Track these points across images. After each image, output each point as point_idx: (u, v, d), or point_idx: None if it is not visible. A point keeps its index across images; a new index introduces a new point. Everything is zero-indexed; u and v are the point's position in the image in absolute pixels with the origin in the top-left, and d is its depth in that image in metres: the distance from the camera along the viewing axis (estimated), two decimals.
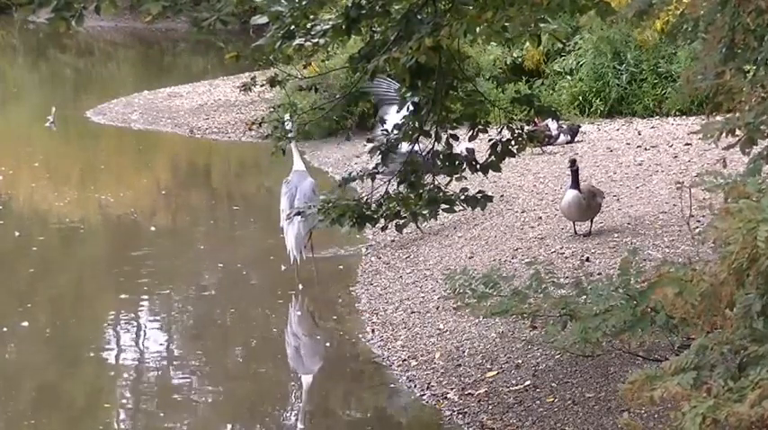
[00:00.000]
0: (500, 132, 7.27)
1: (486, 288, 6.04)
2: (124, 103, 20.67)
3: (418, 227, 7.54)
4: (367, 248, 10.58)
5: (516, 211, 10.86)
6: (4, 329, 8.90)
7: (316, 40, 6.26)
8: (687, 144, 13.09)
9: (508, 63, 16.43)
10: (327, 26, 6.32)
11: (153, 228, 12.45)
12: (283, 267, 10.02)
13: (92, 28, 33.34)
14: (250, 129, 6.81)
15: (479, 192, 7.31)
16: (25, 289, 10.06)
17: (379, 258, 10.20)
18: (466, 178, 7.22)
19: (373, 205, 7.15)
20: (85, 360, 8.52)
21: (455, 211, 7.36)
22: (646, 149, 13.29)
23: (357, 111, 14.60)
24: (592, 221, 9.62)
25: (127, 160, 17.27)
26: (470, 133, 7.18)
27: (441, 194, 7.17)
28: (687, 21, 5.60)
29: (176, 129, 18.40)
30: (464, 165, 7.22)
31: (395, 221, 7.19)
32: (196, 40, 28.10)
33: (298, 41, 6.23)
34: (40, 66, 28.90)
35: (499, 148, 7.23)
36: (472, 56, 15.74)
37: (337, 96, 7.44)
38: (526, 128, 7.44)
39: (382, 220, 7.21)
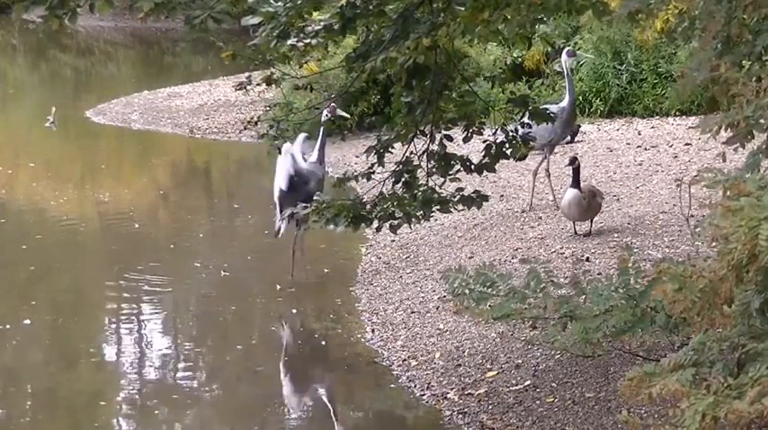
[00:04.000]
0: (495, 134, 7.25)
1: (485, 287, 6.02)
2: (124, 103, 20.66)
3: (410, 227, 7.52)
4: (367, 248, 10.57)
5: (516, 211, 10.86)
6: (8, 327, 8.90)
7: (308, 40, 6.24)
8: (687, 144, 13.09)
9: (508, 63, 16.42)
10: (319, 26, 6.30)
11: (153, 227, 12.45)
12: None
13: (92, 28, 33.37)
14: (245, 128, 6.82)
15: (475, 191, 7.30)
16: (27, 287, 10.06)
17: (379, 258, 10.19)
18: (460, 179, 7.20)
19: (368, 205, 7.12)
20: (86, 358, 8.53)
21: (450, 211, 7.34)
22: (646, 149, 13.29)
23: (357, 111, 14.61)
24: (592, 221, 9.61)
25: (127, 160, 17.27)
26: (465, 134, 7.16)
27: (435, 195, 7.14)
28: (685, 19, 5.61)
29: (176, 130, 18.40)
30: (459, 165, 7.20)
31: (389, 222, 7.16)
32: (195, 40, 28.08)
33: (290, 42, 6.21)
34: (40, 66, 28.89)
35: (493, 150, 7.21)
36: (472, 56, 15.74)
37: (332, 96, 7.41)
38: (521, 130, 7.42)
39: (377, 221, 7.19)
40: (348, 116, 9.92)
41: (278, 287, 9.64)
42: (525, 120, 7.37)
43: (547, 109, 7.56)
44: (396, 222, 7.12)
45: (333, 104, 9.52)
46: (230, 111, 18.90)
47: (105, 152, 17.59)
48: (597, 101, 15.46)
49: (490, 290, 6.04)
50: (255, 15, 6.12)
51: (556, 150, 13.57)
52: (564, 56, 11.25)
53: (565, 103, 10.80)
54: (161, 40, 32.34)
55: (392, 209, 7.07)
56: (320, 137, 9.83)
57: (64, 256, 11.20)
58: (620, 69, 15.35)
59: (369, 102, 14.67)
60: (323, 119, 9.58)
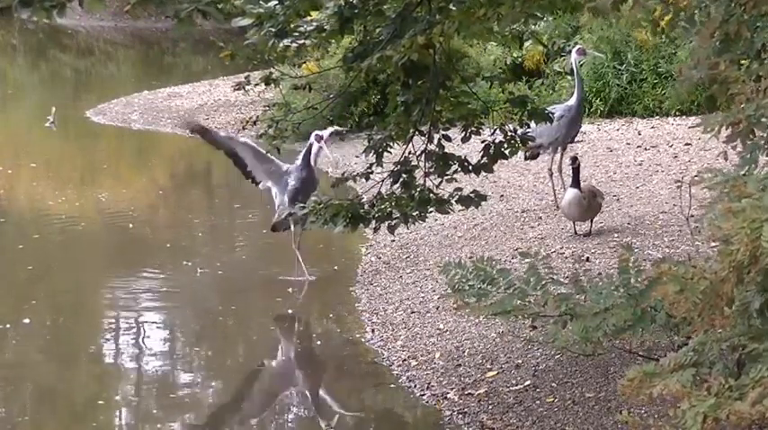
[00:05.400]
0: (493, 134, 7.23)
1: (484, 284, 6.01)
2: (124, 103, 20.66)
3: (407, 228, 7.51)
4: (367, 248, 10.56)
5: (516, 211, 10.85)
6: (8, 326, 8.90)
7: (302, 41, 6.23)
8: (687, 144, 13.09)
9: (508, 63, 16.41)
10: (311, 27, 6.29)
11: (153, 227, 12.45)
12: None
13: (92, 28, 33.37)
14: (244, 128, 6.87)
15: (473, 191, 7.28)
16: (27, 286, 10.06)
17: (379, 258, 10.19)
18: (456, 180, 7.19)
19: (366, 205, 7.10)
20: (86, 357, 8.52)
21: (448, 212, 7.32)
22: (646, 149, 13.28)
23: (357, 111, 14.60)
24: (592, 221, 9.61)
25: (127, 160, 17.28)
26: (463, 134, 7.15)
27: (432, 196, 7.13)
28: (669, 9, 5.61)
29: (176, 130, 18.39)
30: (457, 166, 7.19)
31: (386, 222, 7.14)
32: (195, 40, 28.11)
33: (284, 42, 6.20)
34: (40, 66, 28.88)
35: (492, 150, 7.20)
36: (472, 56, 15.73)
37: (331, 96, 7.40)
38: (519, 130, 7.41)
39: (374, 221, 7.17)
40: (330, 156, 10.05)
41: (278, 287, 9.63)
42: (526, 120, 7.36)
43: (545, 109, 7.56)
44: (393, 222, 7.10)
45: (319, 135, 9.58)
46: (230, 111, 18.90)
47: (105, 152, 17.59)
48: (597, 101, 15.45)
49: (490, 287, 6.03)
50: (246, 17, 6.11)
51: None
52: (573, 54, 11.16)
53: (572, 101, 10.77)
54: (161, 40, 32.32)
55: (390, 209, 7.05)
56: (308, 144, 9.83)
57: (63, 256, 11.21)
58: (620, 69, 15.33)
59: (369, 102, 14.65)
60: (314, 141, 9.62)
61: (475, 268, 6.12)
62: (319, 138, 9.58)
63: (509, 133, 7.24)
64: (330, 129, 9.80)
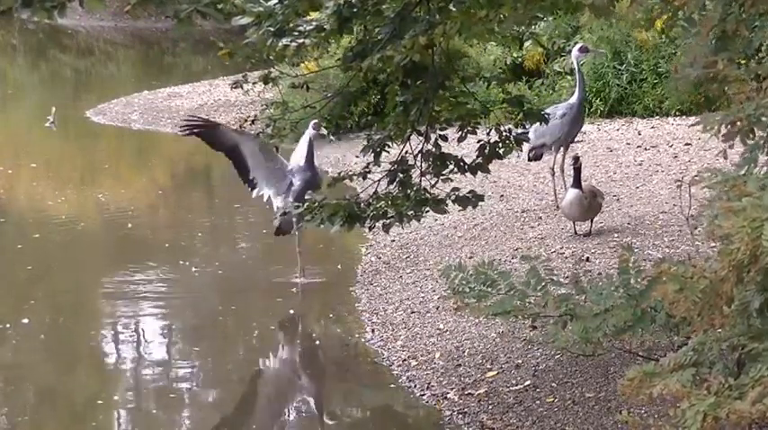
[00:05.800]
0: (488, 134, 7.22)
1: (485, 286, 6.01)
2: (124, 103, 20.66)
3: (402, 227, 7.49)
4: (367, 248, 10.56)
5: (516, 211, 10.85)
6: (7, 325, 8.90)
7: (301, 41, 6.23)
8: (687, 144, 13.09)
9: (508, 63, 16.40)
10: (311, 26, 6.29)
11: (152, 227, 12.45)
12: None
13: (92, 28, 33.37)
14: (242, 127, 6.88)
15: (470, 191, 7.28)
16: (26, 286, 10.06)
17: (379, 258, 10.18)
18: (451, 180, 7.18)
19: (362, 204, 7.09)
20: (85, 357, 8.53)
21: (445, 212, 7.30)
22: (646, 149, 13.28)
23: (357, 110, 14.60)
24: (592, 221, 9.61)
25: (127, 160, 17.28)
26: (459, 134, 7.14)
27: (428, 195, 7.12)
28: (675, 12, 5.60)
29: (176, 130, 18.37)
30: (453, 165, 7.19)
31: (381, 221, 7.13)
32: (195, 40, 28.10)
33: (283, 41, 6.20)
34: (40, 66, 28.88)
35: (487, 150, 7.19)
36: (472, 56, 15.72)
37: (329, 95, 7.38)
38: (514, 131, 7.40)
39: (369, 220, 7.15)
40: (327, 134, 9.94)
41: (278, 287, 9.63)
42: (523, 121, 7.36)
43: (541, 109, 7.55)
44: (388, 221, 7.09)
45: (317, 122, 9.51)
46: (230, 111, 18.90)
47: (105, 152, 17.59)
48: (597, 101, 15.44)
49: (490, 289, 6.03)
50: (246, 15, 6.11)
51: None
52: (575, 51, 11.07)
53: (574, 99, 10.73)
54: (161, 40, 32.31)
55: (385, 208, 7.04)
56: (307, 141, 9.80)
57: (63, 256, 11.20)
58: (620, 69, 15.32)
59: (368, 102, 14.64)
60: (310, 133, 9.58)
61: (475, 271, 6.13)
62: (318, 126, 9.53)
63: (504, 133, 7.23)
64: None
